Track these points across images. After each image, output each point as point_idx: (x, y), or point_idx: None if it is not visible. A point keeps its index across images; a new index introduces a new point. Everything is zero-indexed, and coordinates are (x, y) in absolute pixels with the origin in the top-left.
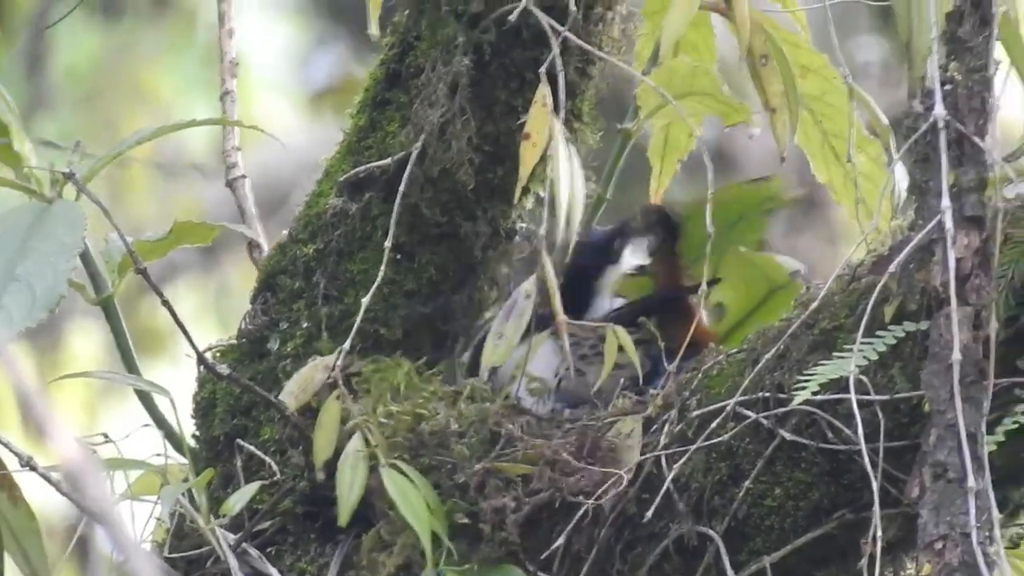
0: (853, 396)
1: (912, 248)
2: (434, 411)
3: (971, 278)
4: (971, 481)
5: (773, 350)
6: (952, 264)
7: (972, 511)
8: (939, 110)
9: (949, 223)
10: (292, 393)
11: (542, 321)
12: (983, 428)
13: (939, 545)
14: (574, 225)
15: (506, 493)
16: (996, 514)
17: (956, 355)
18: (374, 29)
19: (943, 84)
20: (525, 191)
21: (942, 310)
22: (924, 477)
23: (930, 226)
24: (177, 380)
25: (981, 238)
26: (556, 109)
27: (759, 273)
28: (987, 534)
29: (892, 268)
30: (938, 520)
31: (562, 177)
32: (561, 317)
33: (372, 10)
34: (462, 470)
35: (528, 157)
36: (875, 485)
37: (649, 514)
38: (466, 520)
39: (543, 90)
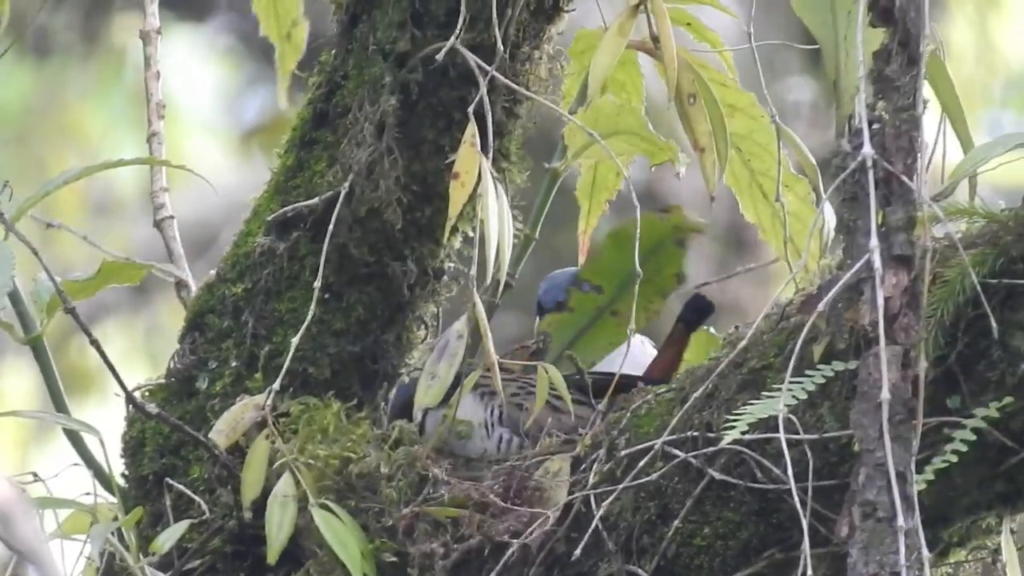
0: (783, 436)
1: (841, 287)
2: (362, 454)
3: (900, 317)
4: (901, 520)
5: (701, 389)
6: (881, 303)
7: (902, 550)
8: (867, 149)
9: (878, 262)
10: (222, 432)
11: None
12: (912, 467)
13: None
14: (504, 264)
15: (435, 538)
16: (926, 553)
17: (885, 394)
18: (283, 100)
19: (871, 123)
20: (453, 230)
21: (871, 349)
22: (854, 516)
23: (858, 265)
24: (106, 419)
25: (910, 277)
26: (484, 149)
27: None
28: (917, 573)
29: (821, 307)
30: (868, 559)
31: (491, 216)
32: (492, 357)
33: (281, 80)
34: (390, 513)
35: (457, 196)
36: (804, 524)
37: (578, 552)
38: (394, 559)
39: (471, 129)
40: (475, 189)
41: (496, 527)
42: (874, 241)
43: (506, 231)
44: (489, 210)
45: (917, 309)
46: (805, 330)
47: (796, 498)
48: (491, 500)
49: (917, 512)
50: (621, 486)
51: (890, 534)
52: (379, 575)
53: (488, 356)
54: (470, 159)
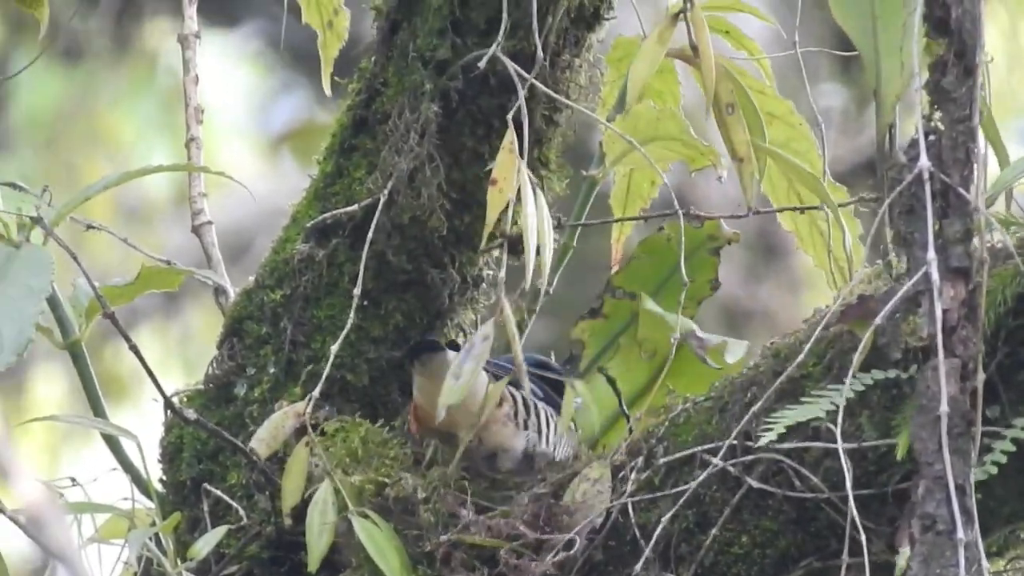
0: (840, 444)
1: (899, 299)
2: (397, 477)
3: (958, 329)
4: (960, 533)
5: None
6: (939, 316)
7: (962, 563)
8: (924, 161)
9: (935, 275)
10: (263, 440)
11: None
12: (971, 479)
13: None
14: (544, 271)
15: (472, 569)
16: (986, 565)
17: (944, 407)
18: (327, 87)
19: (927, 135)
20: (491, 237)
21: (929, 362)
22: (913, 529)
23: (916, 277)
24: (141, 425)
25: (967, 289)
26: (522, 156)
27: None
28: None
29: (879, 320)
30: (928, 572)
31: (530, 223)
32: (520, 361)
33: (325, 68)
34: (428, 539)
35: (495, 203)
36: (847, 533)
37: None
38: None
39: (510, 136)
40: (514, 195)
41: (531, 567)
42: (931, 253)
43: (546, 238)
44: (528, 217)
45: (975, 321)
46: (866, 337)
47: (844, 507)
48: (522, 532)
49: (976, 524)
50: (660, 494)
51: (950, 547)
52: None
53: (516, 358)
54: (508, 166)
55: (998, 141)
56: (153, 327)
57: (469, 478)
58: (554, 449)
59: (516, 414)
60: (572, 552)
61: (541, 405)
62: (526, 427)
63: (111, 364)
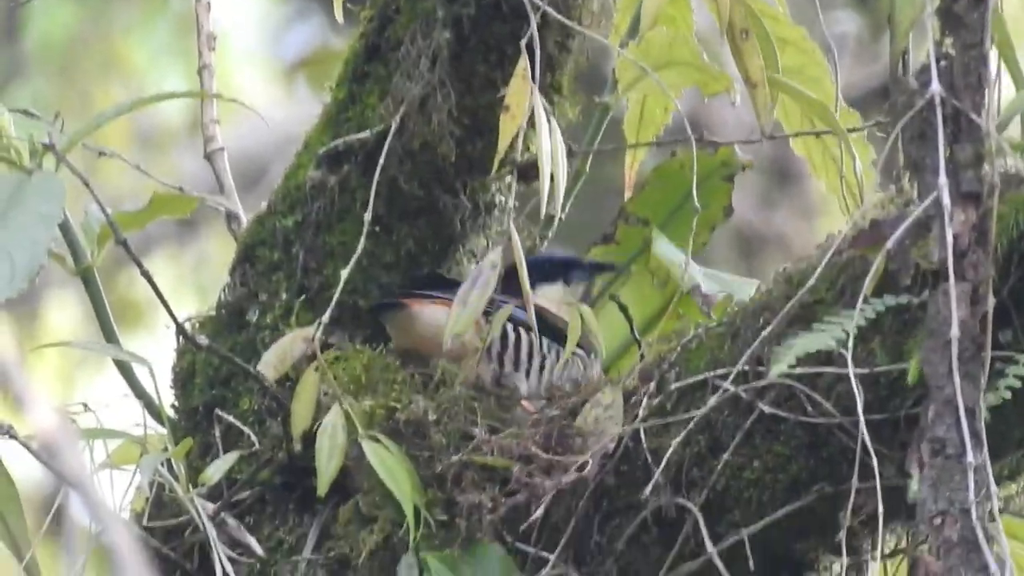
0: (852, 370)
1: (910, 224)
2: (407, 401)
3: (968, 254)
4: (970, 456)
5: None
6: (950, 240)
7: (971, 486)
8: (935, 86)
9: (946, 199)
10: (271, 363)
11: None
12: (981, 404)
13: (938, 521)
14: (558, 197)
15: (483, 489)
16: (995, 489)
17: (955, 331)
18: (339, 15)
19: (938, 60)
20: (502, 164)
21: (939, 286)
22: (922, 453)
23: (927, 202)
24: (155, 352)
25: (978, 213)
26: (535, 82)
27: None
28: (986, 509)
29: (890, 244)
30: (937, 496)
31: (544, 149)
32: (528, 289)
33: None
34: (440, 460)
35: (507, 129)
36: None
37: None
38: (444, 517)
39: (523, 62)
40: (526, 122)
41: (543, 484)
42: (943, 178)
43: (559, 164)
44: (542, 143)
45: (985, 245)
46: (877, 262)
47: (856, 431)
48: (534, 453)
49: (985, 448)
50: (672, 419)
51: (959, 471)
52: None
53: (524, 287)
54: (521, 92)
55: (1014, 64)
56: (167, 253)
57: (478, 398)
58: (533, 377)
59: (491, 348)
60: (583, 474)
61: (528, 337)
62: (500, 361)
63: (125, 291)
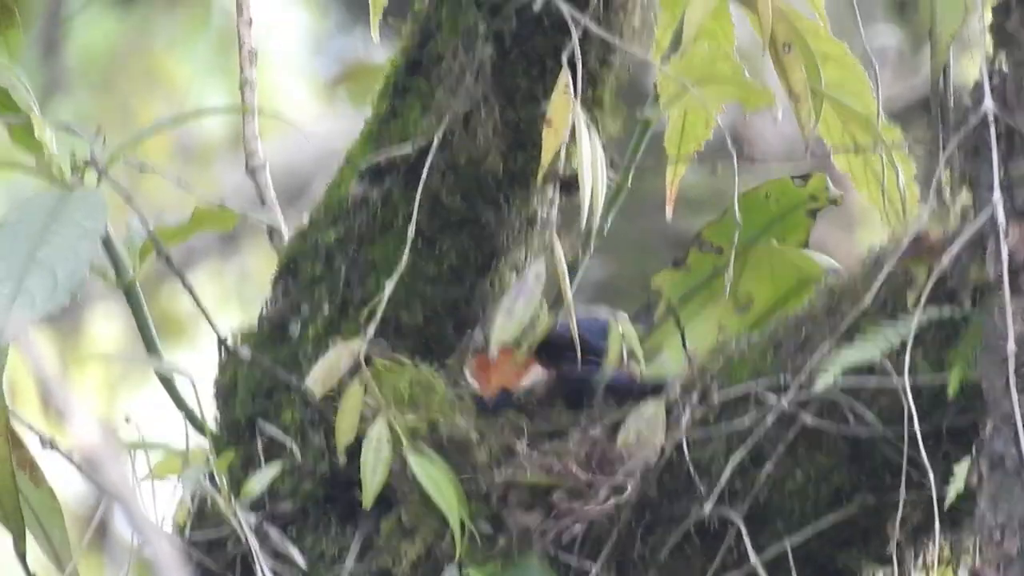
0: (906, 380)
1: (966, 241)
2: (449, 418)
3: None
4: None
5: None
6: (1005, 256)
7: None
8: (988, 103)
9: (1001, 216)
10: (318, 379)
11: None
12: None
13: (997, 535)
14: (597, 211)
15: (530, 508)
16: None
17: (1011, 346)
18: (375, 33)
19: (991, 77)
20: (545, 178)
21: (994, 301)
22: (981, 467)
23: (982, 218)
24: (197, 365)
25: None
26: (576, 97)
27: (789, 266)
28: None
29: (946, 260)
30: (996, 510)
31: (585, 163)
32: (569, 300)
33: (373, 13)
34: (484, 477)
35: (550, 144)
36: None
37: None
38: (489, 530)
39: (565, 77)
40: (570, 136)
41: (585, 510)
42: (997, 194)
43: (600, 178)
44: (583, 157)
45: None
46: (933, 276)
47: (900, 443)
48: (574, 473)
49: None
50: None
51: (1018, 484)
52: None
53: (565, 297)
54: (563, 106)
55: None
56: (210, 268)
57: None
58: None
59: None
60: (624, 497)
61: None
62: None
63: (167, 305)
